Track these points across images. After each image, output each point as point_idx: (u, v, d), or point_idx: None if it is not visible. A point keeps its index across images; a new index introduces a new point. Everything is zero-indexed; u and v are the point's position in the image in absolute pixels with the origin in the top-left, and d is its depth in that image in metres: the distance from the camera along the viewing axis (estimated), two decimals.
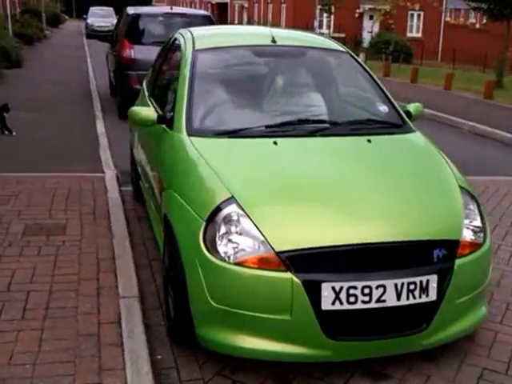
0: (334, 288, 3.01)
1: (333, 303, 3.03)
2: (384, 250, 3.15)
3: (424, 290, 3.12)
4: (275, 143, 3.75)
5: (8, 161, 7.07)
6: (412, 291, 3.10)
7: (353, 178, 3.51)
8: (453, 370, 3.40)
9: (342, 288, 3.02)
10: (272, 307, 3.06)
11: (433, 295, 3.14)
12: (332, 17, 35.82)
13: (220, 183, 3.37)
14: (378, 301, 3.06)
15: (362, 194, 3.37)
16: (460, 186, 3.57)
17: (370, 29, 35.45)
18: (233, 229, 3.16)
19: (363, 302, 3.05)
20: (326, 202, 3.32)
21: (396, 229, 3.21)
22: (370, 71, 4.57)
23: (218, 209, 3.23)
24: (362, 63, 4.68)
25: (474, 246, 3.35)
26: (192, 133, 3.89)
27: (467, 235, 3.35)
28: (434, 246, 3.20)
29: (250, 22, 43.20)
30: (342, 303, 3.03)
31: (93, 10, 38.40)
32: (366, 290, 3.04)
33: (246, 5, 48.57)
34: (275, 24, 38.72)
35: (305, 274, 3.03)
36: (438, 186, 3.61)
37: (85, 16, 37.46)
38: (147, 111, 4.23)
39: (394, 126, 4.20)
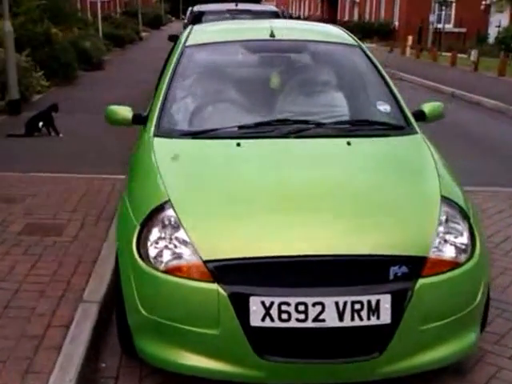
0: (263, 303, 2.69)
1: (263, 319, 2.70)
2: (327, 265, 2.79)
3: (374, 311, 2.73)
4: (238, 145, 3.48)
5: (45, 161, 7.08)
6: (358, 311, 2.72)
7: (312, 185, 3.17)
8: None
9: (272, 303, 2.69)
10: (200, 320, 2.78)
11: (386, 318, 2.74)
12: (453, 10, 33.47)
13: (161, 187, 3.15)
14: (316, 320, 2.71)
15: (316, 203, 3.03)
16: (444, 197, 3.12)
17: (498, 23, 30.29)
18: (164, 235, 2.93)
19: (298, 320, 2.70)
20: (271, 210, 3.00)
21: (345, 242, 2.85)
22: (380, 68, 4.18)
23: (153, 213, 3.01)
24: (374, 59, 4.27)
25: (451, 264, 2.91)
26: (159, 133, 3.71)
27: (442, 252, 2.91)
28: (391, 262, 2.80)
29: (360, 19, 41.67)
30: (273, 320, 2.70)
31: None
32: (301, 307, 2.70)
33: (358, 0, 46.47)
34: (387, 20, 37.34)
35: (233, 286, 2.73)
36: (411, 196, 3.18)
37: (183, 17, 37.05)
38: (123, 110, 4.03)
39: (391, 127, 3.83)
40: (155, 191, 3.16)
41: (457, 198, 3.19)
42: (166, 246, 2.90)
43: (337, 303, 2.70)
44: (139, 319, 2.95)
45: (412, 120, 3.89)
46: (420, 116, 4.02)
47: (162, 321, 2.86)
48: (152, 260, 2.89)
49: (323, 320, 2.71)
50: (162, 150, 3.54)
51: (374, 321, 2.73)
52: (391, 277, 2.78)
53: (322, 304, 2.70)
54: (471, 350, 3.12)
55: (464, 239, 3.00)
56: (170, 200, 3.03)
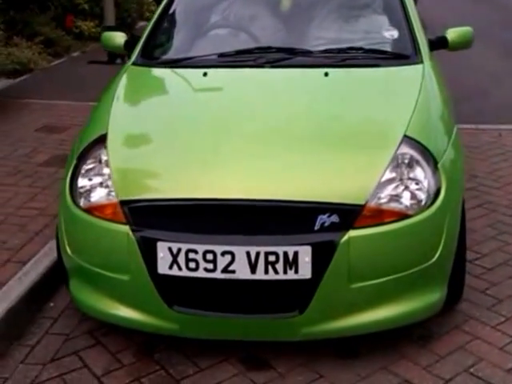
0: (170, 249, 2.44)
1: (170, 267, 2.46)
2: (243, 211, 2.48)
3: (291, 264, 2.40)
4: (205, 74, 3.20)
5: None
6: (273, 264, 2.40)
7: (259, 122, 2.85)
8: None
9: (180, 250, 2.44)
10: (112, 264, 2.61)
11: (305, 272, 2.40)
12: None
13: (105, 120, 2.97)
14: (225, 271, 2.42)
15: (254, 142, 2.71)
16: (408, 137, 2.66)
17: None
18: (92, 171, 2.76)
19: (206, 269, 2.43)
20: (200, 149, 2.73)
21: (268, 186, 2.51)
22: None
23: (88, 147, 2.86)
24: None
25: (397, 215, 2.50)
26: (139, 61, 3.51)
27: (386, 201, 2.50)
28: (320, 210, 2.43)
29: None
30: (180, 268, 2.45)
31: None
32: (209, 256, 2.42)
33: None
34: None
35: (143, 229, 2.50)
36: (367, 135, 2.75)
37: None
38: (117, 36, 3.83)
39: (392, 55, 3.38)
40: (98, 125, 3.01)
41: (425, 138, 2.72)
42: (91, 185, 2.73)
43: (248, 253, 2.40)
44: (68, 260, 2.83)
45: (423, 48, 3.38)
46: (441, 43, 3.55)
47: (83, 263, 2.72)
48: (77, 197, 2.73)
49: (233, 271, 2.42)
50: (129, 80, 3.38)
51: (291, 275, 2.40)
52: (317, 227, 2.42)
53: (232, 253, 2.41)
54: (431, 312, 2.71)
55: (421, 187, 2.56)
56: (106, 134, 2.85)
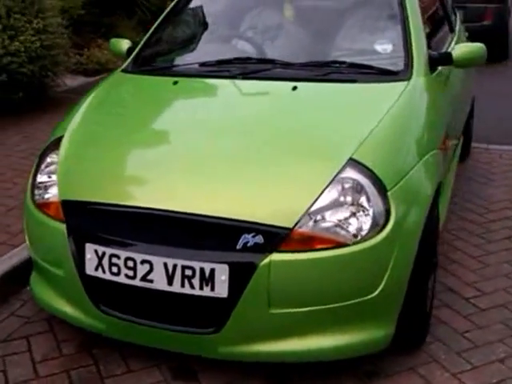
0: (96, 252, 2.46)
1: (96, 269, 2.47)
2: (168, 222, 2.43)
3: (208, 281, 2.31)
4: (175, 83, 3.18)
5: None
6: (189, 278, 2.33)
7: (210, 137, 2.76)
8: None
9: (104, 254, 2.44)
10: (53, 260, 2.69)
11: (222, 291, 2.31)
12: None
13: (67, 122, 3.07)
14: (144, 279, 2.39)
15: (199, 156, 2.64)
16: (354, 160, 2.46)
17: None
18: (46, 170, 2.86)
19: (127, 276, 2.41)
20: (147, 158, 2.73)
21: (198, 199, 2.44)
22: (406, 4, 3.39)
23: (48, 147, 2.98)
24: None
25: (330, 243, 2.33)
26: (129, 68, 3.55)
27: (317, 227, 2.34)
28: (245, 229, 2.32)
29: None
30: (104, 271, 2.45)
31: None
32: (130, 263, 2.40)
33: None
34: None
35: (76, 229, 2.54)
36: (310, 156, 2.56)
37: None
38: (122, 42, 3.84)
39: (378, 71, 3.11)
40: (63, 125, 3.08)
41: (375, 163, 2.48)
42: (47, 182, 2.82)
43: (166, 265, 2.35)
44: (29, 253, 2.96)
45: (417, 64, 3.08)
46: (445, 59, 3.24)
47: (35, 256, 2.85)
48: (34, 194, 2.84)
49: (151, 281, 2.38)
50: (107, 86, 3.45)
51: (207, 292, 2.32)
52: (239, 246, 2.31)
53: (150, 263, 2.37)
54: (371, 348, 2.52)
55: (363, 215, 2.37)
56: (63, 136, 2.94)
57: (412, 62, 3.09)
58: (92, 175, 2.70)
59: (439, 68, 3.27)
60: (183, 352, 2.56)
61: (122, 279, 2.42)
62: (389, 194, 2.42)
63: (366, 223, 2.37)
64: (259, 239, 2.31)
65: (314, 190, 2.38)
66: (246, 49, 3.48)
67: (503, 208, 4.23)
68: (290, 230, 2.31)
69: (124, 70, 3.53)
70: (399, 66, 3.10)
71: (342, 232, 2.35)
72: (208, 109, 3.04)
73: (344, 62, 3.16)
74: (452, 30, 4.21)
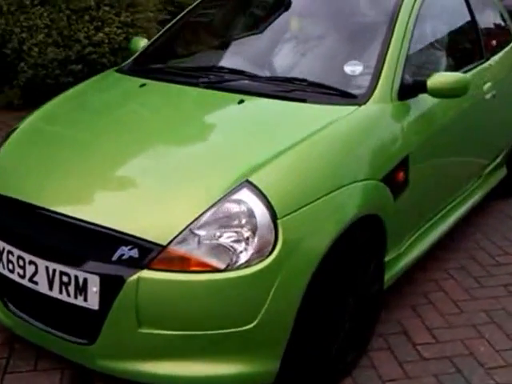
0: None
1: None
2: (58, 224, 2.43)
3: (81, 290, 2.31)
4: (142, 86, 3.20)
5: None
6: (66, 285, 2.34)
7: (125, 142, 2.77)
8: None
9: (4, 249, 2.50)
10: None
11: (93, 302, 2.30)
12: None
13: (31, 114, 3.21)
14: (31, 280, 2.43)
15: (107, 161, 2.65)
16: (251, 184, 2.33)
17: None
18: None
19: (19, 275, 2.46)
20: (64, 158, 2.74)
21: (84, 206, 2.45)
22: (398, 22, 3.15)
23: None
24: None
25: (202, 266, 2.24)
26: (125, 68, 3.60)
27: (190, 247, 2.25)
28: (123, 241, 2.29)
29: None
30: (4, 267, 2.52)
31: None
32: (21, 262, 2.44)
33: None
34: None
35: None
36: (208, 174, 2.47)
37: None
38: (142, 41, 3.87)
39: (338, 92, 2.93)
40: (25, 117, 3.20)
41: (272, 189, 2.33)
42: None
43: (47, 268, 2.37)
44: None
45: (381, 89, 2.90)
46: (418, 88, 3.00)
47: None
48: None
49: (36, 283, 2.42)
50: (90, 82, 3.53)
51: (80, 301, 2.32)
52: (115, 257, 2.29)
53: (36, 265, 2.40)
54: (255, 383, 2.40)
55: (245, 241, 2.26)
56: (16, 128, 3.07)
57: (376, 86, 2.91)
58: (9, 169, 2.77)
59: (420, 96, 3.03)
60: (71, 359, 2.57)
61: (15, 277, 2.47)
62: (279, 222, 2.29)
63: (248, 250, 2.25)
64: (134, 253, 2.27)
65: (197, 208, 2.30)
66: (224, 58, 3.46)
67: None
68: (164, 247, 2.25)
69: (118, 70, 3.58)
70: (362, 89, 2.92)
71: (221, 256, 2.26)
72: (141, 114, 3.06)
73: (305, 80, 3.03)
74: (481, 57, 3.88)
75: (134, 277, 2.23)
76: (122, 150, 2.71)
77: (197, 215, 2.28)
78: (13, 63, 6.06)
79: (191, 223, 2.27)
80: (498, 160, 4.24)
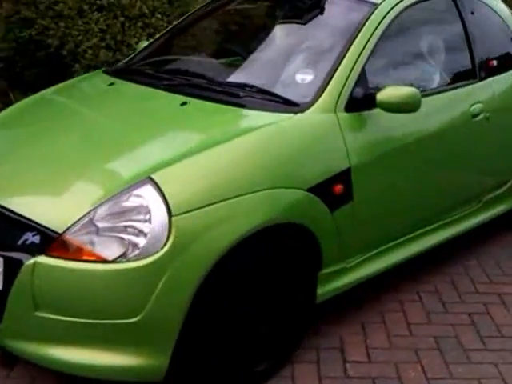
0: None
1: None
2: None
3: None
4: (111, 84, 3.34)
5: None
6: None
7: (58, 134, 2.95)
8: None
9: None
10: None
11: None
12: None
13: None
14: None
15: (37, 152, 2.81)
16: (152, 180, 2.40)
17: None
18: None
19: None
20: (11, 149, 2.92)
21: (3, 191, 2.60)
22: (371, 32, 3.10)
23: None
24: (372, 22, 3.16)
25: (91, 256, 2.33)
26: (111, 69, 3.76)
27: (82, 238, 2.35)
28: (29, 227, 2.42)
29: None
30: None
31: None
32: None
33: None
34: None
35: None
36: (115, 169, 2.59)
37: None
38: (143, 44, 4.06)
39: (281, 100, 2.92)
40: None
41: (171, 188, 2.39)
42: None
43: None
44: None
45: (325, 98, 2.87)
46: (367, 101, 2.94)
47: None
48: None
49: None
50: (75, 80, 3.77)
51: None
52: (20, 242, 2.42)
53: None
54: (144, 378, 2.45)
55: (138, 236, 2.33)
56: None
57: (320, 96, 2.89)
58: None
59: (376, 109, 2.97)
60: None
61: None
62: (173, 219, 2.34)
63: (140, 244, 2.32)
64: (36, 239, 2.39)
65: (96, 200, 2.40)
66: (192, 63, 3.57)
67: (505, 283, 3.65)
68: (60, 234, 2.36)
69: (105, 71, 3.70)
70: (306, 98, 2.90)
71: (113, 248, 2.34)
72: (87, 112, 3.20)
73: (254, 86, 3.05)
74: (474, 77, 3.67)
75: (31, 261, 2.35)
76: (53, 143, 2.87)
77: (94, 206, 2.38)
78: (69, 64, 6.42)
79: (87, 213, 2.37)
80: (505, 188, 4.00)
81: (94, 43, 6.29)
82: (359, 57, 3.03)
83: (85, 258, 2.35)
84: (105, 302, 2.35)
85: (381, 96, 2.90)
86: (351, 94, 2.93)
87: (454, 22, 3.71)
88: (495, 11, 4.01)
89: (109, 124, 3.01)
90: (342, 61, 3.00)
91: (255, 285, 2.59)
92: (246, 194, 2.50)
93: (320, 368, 2.83)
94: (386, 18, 3.20)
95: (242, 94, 2.98)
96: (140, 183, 2.41)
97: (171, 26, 4.03)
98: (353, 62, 3.00)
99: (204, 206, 2.40)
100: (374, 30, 3.13)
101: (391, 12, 3.23)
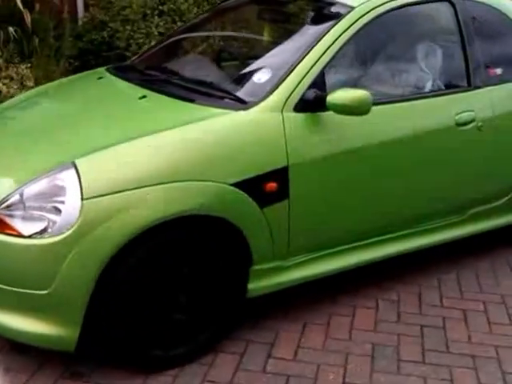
0: None
1: None
2: None
3: None
4: (100, 78, 3.56)
5: None
6: None
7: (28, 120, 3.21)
8: None
9: None
10: None
11: None
12: None
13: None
14: None
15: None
16: (74, 165, 2.56)
17: None
18: None
19: None
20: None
21: None
22: (337, 34, 3.10)
23: None
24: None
25: (14, 231, 2.53)
26: (114, 66, 3.98)
27: (12, 214, 2.55)
28: None
29: None
30: None
31: None
32: None
33: None
34: None
35: None
36: (48, 153, 2.78)
37: None
38: None
39: (232, 97, 3.02)
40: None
41: (89, 173, 2.55)
42: None
43: None
44: None
45: (273, 98, 2.91)
46: (317, 103, 2.95)
47: None
48: None
49: None
50: (77, 76, 4.03)
51: None
52: None
53: None
54: (56, 346, 2.64)
55: (52, 214, 2.51)
56: None
57: (269, 96, 2.94)
58: None
59: (330, 112, 2.97)
60: None
61: None
62: (84, 203, 2.49)
63: (55, 223, 2.49)
64: None
65: (25, 179, 2.59)
66: (172, 62, 3.76)
67: (476, 300, 3.53)
68: None
69: (107, 68, 3.87)
70: (256, 97, 2.95)
71: (31, 224, 2.53)
72: (65, 102, 3.48)
73: (212, 83, 3.16)
74: (469, 85, 3.56)
75: None
76: (21, 127, 3.15)
77: (22, 185, 2.58)
78: None
79: (15, 191, 2.57)
80: (499, 203, 3.84)
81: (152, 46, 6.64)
82: (319, 59, 3.04)
83: (7, 231, 2.55)
84: (20, 272, 2.55)
85: (331, 98, 2.91)
86: (303, 95, 2.96)
87: (447, 29, 3.63)
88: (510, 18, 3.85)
89: (68, 112, 3.23)
90: (300, 62, 3.03)
91: (166, 270, 2.69)
92: (164, 183, 2.61)
93: (242, 360, 2.89)
94: (357, 22, 3.18)
95: (198, 89, 3.10)
96: (64, 167, 2.59)
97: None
98: (311, 63, 3.02)
99: (116, 192, 2.53)
100: (342, 34, 3.12)
101: (366, 16, 3.21)
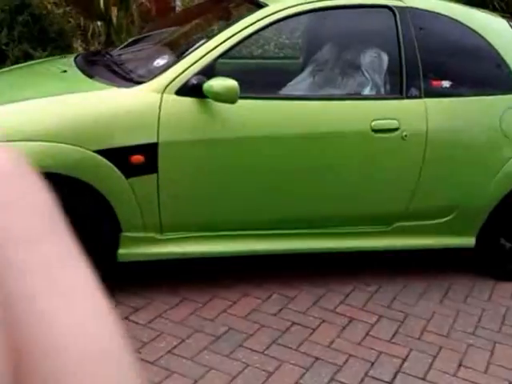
0: None
1: None
2: None
3: None
4: (64, 71, 3.82)
5: None
6: None
7: None
8: None
9: None
10: None
11: None
12: None
13: None
14: None
15: None
16: None
17: None
18: None
19: None
20: None
21: None
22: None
23: None
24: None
25: None
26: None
27: None
28: None
29: None
30: None
31: None
32: None
33: None
34: None
35: None
36: None
37: None
38: None
39: (125, 76, 3.33)
40: None
41: None
42: None
43: None
44: None
45: (157, 81, 3.14)
46: (196, 89, 3.11)
47: None
48: None
49: None
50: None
51: None
52: None
53: None
54: None
55: None
56: None
57: (153, 78, 3.17)
58: None
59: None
60: None
61: None
62: None
63: None
64: None
65: None
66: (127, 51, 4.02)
67: (373, 313, 3.41)
68: None
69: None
70: (144, 78, 3.21)
71: None
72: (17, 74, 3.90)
73: (124, 65, 3.51)
74: (400, 93, 3.44)
75: None
76: None
77: None
78: None
79: None
80: (433, 222, 3.64)
81: None
82: (214, 50, 3.22)
83: None
84: None
85: (206, 85, 3.08)
86: (188, 81, 3.14)
87: (382, 36, 3.59)
88: (474, 31, 3.65)
89: (13, 81, 3.69)
90: (194, 51, 3.24)
91: None
92: (32, 140, 2.91)
93: None
94: (262, 21, 3.31)
95: (113, 69, 3.44)
96: None
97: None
98: (203, 53, 3.21)
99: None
100: (244, 29, 3.27)
101: (274, 15, 3.32)
